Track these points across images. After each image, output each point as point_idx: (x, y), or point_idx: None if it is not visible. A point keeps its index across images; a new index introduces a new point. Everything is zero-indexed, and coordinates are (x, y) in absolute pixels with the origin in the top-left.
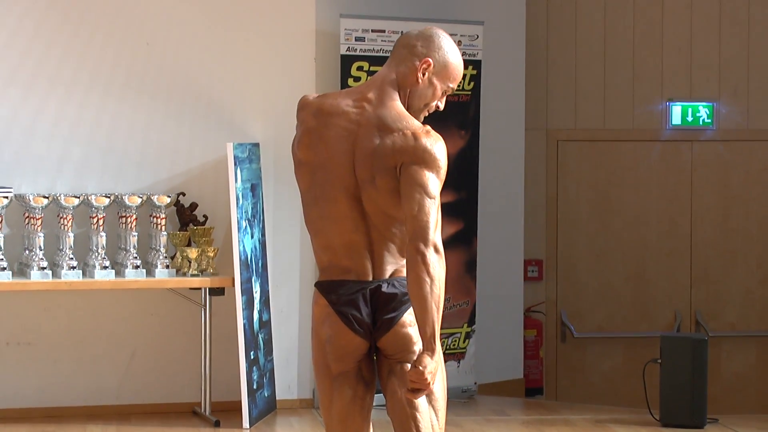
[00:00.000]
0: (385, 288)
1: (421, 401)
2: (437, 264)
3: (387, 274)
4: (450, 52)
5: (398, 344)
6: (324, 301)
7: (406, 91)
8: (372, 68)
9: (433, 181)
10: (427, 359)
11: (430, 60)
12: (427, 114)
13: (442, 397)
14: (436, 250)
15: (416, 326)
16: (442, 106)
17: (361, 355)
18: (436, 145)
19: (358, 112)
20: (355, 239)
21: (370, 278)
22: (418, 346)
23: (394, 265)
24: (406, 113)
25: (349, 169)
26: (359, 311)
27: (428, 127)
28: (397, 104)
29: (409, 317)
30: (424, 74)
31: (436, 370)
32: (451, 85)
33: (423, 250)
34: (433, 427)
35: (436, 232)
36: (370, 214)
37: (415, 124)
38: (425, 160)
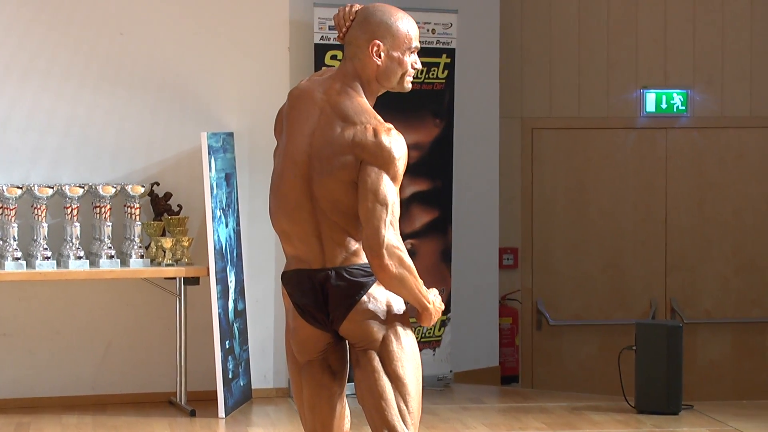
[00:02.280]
0: (333, 280)
1: (387, 389)
2: (395, 263)
3: (338, 261)
4: (389, 22)
5: (358, 335)
6: (285, 291)
7: (371, 80)
8: None
9: (387, 184)
10: (424, 319)
11: (377, 41)
12: (410, 78)
13: (414, 382)
14: (390, 252)
15: (376, 317)
16: (419, 65)
17: (323, 346)
18: (395, 144)
19: (323, 99)
20: (302, 220)
21: (320, 266)
22: (380, 334)
23: (345, 251)
24: (369, 107)
25: (303, 151)
26: (313, 303)
27: (390, 125)
28: (359, 98)
29: (367, 307)
30: (379, 56)
31: (437, 309)
32: (413, 46)
33: (378, 260)
34: (402, 414)
35: (388, 233)
36: (318, 198)
37: (377, 119)
38: (383, 159)
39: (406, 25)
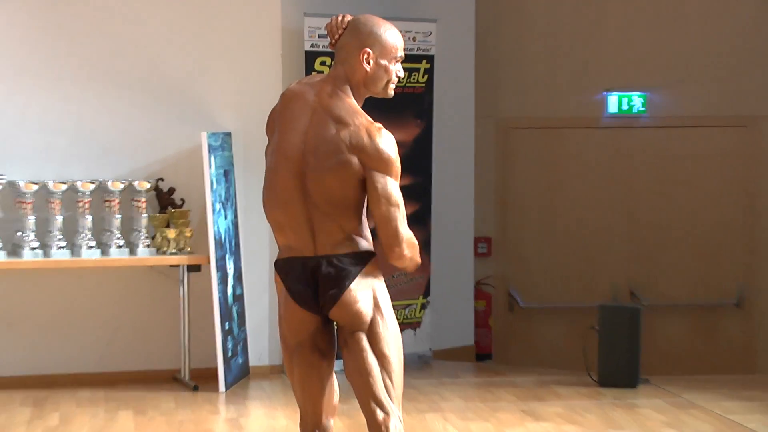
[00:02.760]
0: (324, 267)
1: (374, 367)
2: (410, 251)
3: (328, 250)
4: (379, 32)
5: (347, 318)
6: (279, 278)
7: (359, 85)
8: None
9: (393, 186)
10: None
11: (367, 49)
12: (393, 85)
13: (397, 361)
14: (408, 244)
15: (363, 302)
16: (401, 73)
17: (313, 328)
18: (390, 146)
19: (315, 101)
20: (294, 211)
21: (311, 254)
22: (368, 318)
23: (335, 240)
24: (359, 108)
25: (297, 148)
26: (304, 288)
27: (379, 125)
28: (349, 99)
29: (355, 293)
30: (369, 63)
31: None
32: (398, 55)
33: (398, 251)
34: (387, 389)
35: (403, 229)
36: (311, 191)
37: (368, 120)
38: (384, 163)
39: (393, 36)
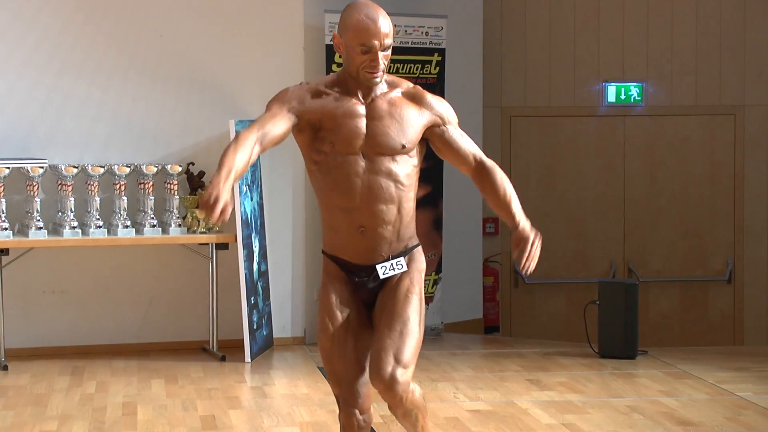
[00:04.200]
0: None
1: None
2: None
3: None
4: (348, 18)
5: None
6: None
7: (348, 70)
8: None
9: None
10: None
11: (335, 34)
12: (369, 74)
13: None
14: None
15: None
16: (381, 64)
17: None
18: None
19: None
20: None
21: None
22: None
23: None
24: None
25: None
26: None
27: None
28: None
29: None
30: (340, 47)
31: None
32: (365, 42)
33: None
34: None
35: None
36: None
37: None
38: None
39: (359, 21)
